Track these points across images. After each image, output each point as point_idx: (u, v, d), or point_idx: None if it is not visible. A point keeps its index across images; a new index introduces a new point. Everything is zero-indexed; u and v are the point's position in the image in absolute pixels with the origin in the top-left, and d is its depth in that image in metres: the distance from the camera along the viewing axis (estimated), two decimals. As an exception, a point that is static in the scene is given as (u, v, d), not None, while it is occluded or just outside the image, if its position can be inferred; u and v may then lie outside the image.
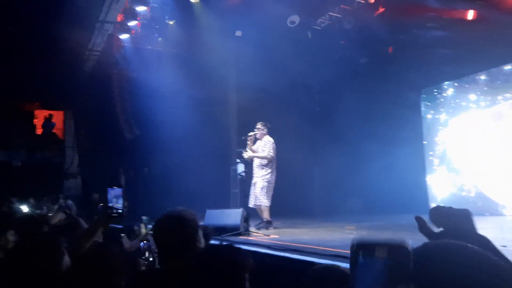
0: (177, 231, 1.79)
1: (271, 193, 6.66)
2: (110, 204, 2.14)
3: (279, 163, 6.93)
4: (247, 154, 6.68)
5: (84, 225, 2.86)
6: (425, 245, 0.90)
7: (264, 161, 6.69)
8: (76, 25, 8.41)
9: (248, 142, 6.85)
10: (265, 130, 6.89)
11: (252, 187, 6.72)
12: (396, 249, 0.71)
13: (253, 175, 6.79)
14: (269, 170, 6.66)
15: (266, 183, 6.60)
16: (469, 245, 0.87)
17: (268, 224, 6.45)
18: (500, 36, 7.75)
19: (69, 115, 13.12)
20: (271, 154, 6.68)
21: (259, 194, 6.57)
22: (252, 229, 5.97)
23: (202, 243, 1.87)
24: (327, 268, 1.29)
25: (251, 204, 6.66)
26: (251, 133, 6.85)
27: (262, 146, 6.79)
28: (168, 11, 9.51)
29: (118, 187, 2.21)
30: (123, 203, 2.19)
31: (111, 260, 1.56)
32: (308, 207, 11.22)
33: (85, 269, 1.49)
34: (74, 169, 12.74)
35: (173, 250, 1.78)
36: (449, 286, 0.79)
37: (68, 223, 3.28)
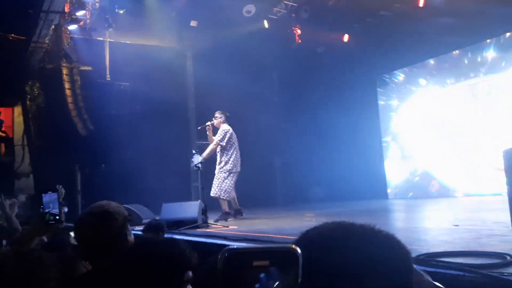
0: (100, 227, 1.64)
1: (229, 183, 6.56)
2: (46, 210, 1.98)
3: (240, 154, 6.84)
4: (201, 159, 6.55)
5: (17, 223, 2.68)
6: (305, 235, 0.76)
7: (222, 151, 6.62)
8: (17, 15, 7.92)
9: (208, 133, 6.78)
10: (223, 118, 6.81)
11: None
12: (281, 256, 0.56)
13: None
14: (225, 160, 6.59)
15: (222, 174, 6.54)
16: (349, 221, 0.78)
17: (226, 216, 6.39)
18: (448, 22, 8.00)
19: (18, 112, 12.44)
20: (221, 143, 6.59)
21: (216, 185, 6.52)
22: (211, 221, 5.88)
23: (131, 239, 1.73)
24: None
25: (211, 193, 6.60)
26: (208, 123, 6.79)
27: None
28: (118, 0, 9.14)
29: (53, 191, 2.04)
30: (60, 208, 2.03)
31: (39, 268, 1.38)
32: (270, 197, 11.23)
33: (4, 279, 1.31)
34: (25, 168, 12.13)
35: (97, 249, 1.63)
36: (348, 269, 0.67)
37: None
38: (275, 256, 0.56)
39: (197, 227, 5.44)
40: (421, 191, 9.66)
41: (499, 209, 5.79)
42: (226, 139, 6.61)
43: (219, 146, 6.64)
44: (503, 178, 2.33)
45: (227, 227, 5.49)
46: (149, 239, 1.72)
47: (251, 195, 9.44)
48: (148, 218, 5.82)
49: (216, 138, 6.63)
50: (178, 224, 5.40)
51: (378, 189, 10.31)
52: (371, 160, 10.39)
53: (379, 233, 0.75)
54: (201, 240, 4.31)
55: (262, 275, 0.55)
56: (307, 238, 0.73)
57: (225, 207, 6.48)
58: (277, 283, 0.55)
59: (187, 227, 5.35)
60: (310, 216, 6.39)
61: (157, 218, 5.46)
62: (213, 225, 5.65)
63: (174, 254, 1.34)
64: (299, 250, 0.56)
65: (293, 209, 8.18)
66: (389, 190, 10.45)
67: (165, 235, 3.88)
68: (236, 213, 6.60)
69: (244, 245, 0.55)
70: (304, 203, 9.79)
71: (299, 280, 0.55)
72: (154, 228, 3.94)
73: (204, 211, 5.64)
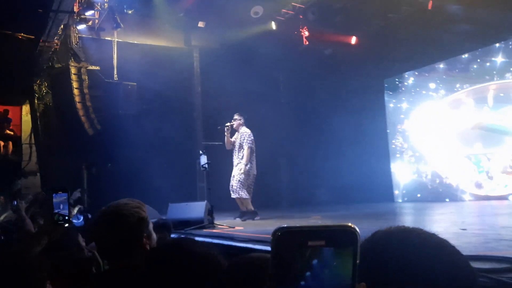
0: (110, 230, 1.59)
1: (249, 183, 6.66)
2: (56, 211, 1.98)
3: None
4: (243, 168, 6.58)
5: (30, 225, 2.70)
6: (374, 235, 0.77)
7: (242, 153, 6.66)
8: (27, 14, 7.99)
9: (226, 133, 6.79)
10: (242, 121, 6.88)
11: (231, 179, 6.72)
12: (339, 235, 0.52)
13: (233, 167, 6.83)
14: (248, 162, 6.63)
15: (243, 175, 6.57)
16: (423, 229, 0.77)
17: (253, 215, 6.45)
18: (456, 26, 7.96)
19: (25, 111, 12.51)
20: (250, 145, 6.66)
21: (237, 186, 6.55)
22: (216, 222, 5.89)
23: (154, 239, 1.68)
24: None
25: (232, 195, 6.71)
26: (228, 124, 6.82)
27: (240, 139, 6.72)
28: (127, 0, 9.21)
29: (63, 191, 2.04)
30: (70, 209, 2.03)
31: (29, 270, 1.37)
32: (276, 199, 11.22)
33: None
34: (32, 167, 12.20)
35: (111, 249, 1.60)
36: (406, 277, 0.69)
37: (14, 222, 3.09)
38: (331, 235, 0.52)
39: (203, 227, 5.46)
40: (429, 194, 9.62)
41: (507, 214, 5.76)
42: (253, 141, 6.70)
43: (238, 148, 6.69)
44: (511, 182, 2.32)
45: (233, 227, 5.49)
46: (174, 239, 1.69)
47: (257, 197, 9.44)
48: (154, 217, 5.83)
49: (247, 144, 6.64)
50: (185, 224, 5.42)
51: (385, 191, 10.28)
52: (378, 162, 10.35)
53: (452, 248, 0.76)
54: (207, 240, 4.31)
55: (314, 261, 0.51)
56: (379, 237, 0.75)
57: (250, 206, 6.60)
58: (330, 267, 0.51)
59: (193, 227, 5.37)
60: (316, 218, 6.38)
61: (164, 218, 5.48)
62: (219, 226, 5.67)
63: (195, 255, 1.29)
64: (357, 229, 0.52)
65: (299, 211, 8.18)
66: (396, 192, 10.41)
67: (172, 235, 3.89)
68: (242, 214, 6.63)
69: (298, 224, 0.54)
70: (310, 205, 9.77)
71: (357, 261, 0.50)
72: (161, 228, 3.94)
73: (210, 212, 5.66)
